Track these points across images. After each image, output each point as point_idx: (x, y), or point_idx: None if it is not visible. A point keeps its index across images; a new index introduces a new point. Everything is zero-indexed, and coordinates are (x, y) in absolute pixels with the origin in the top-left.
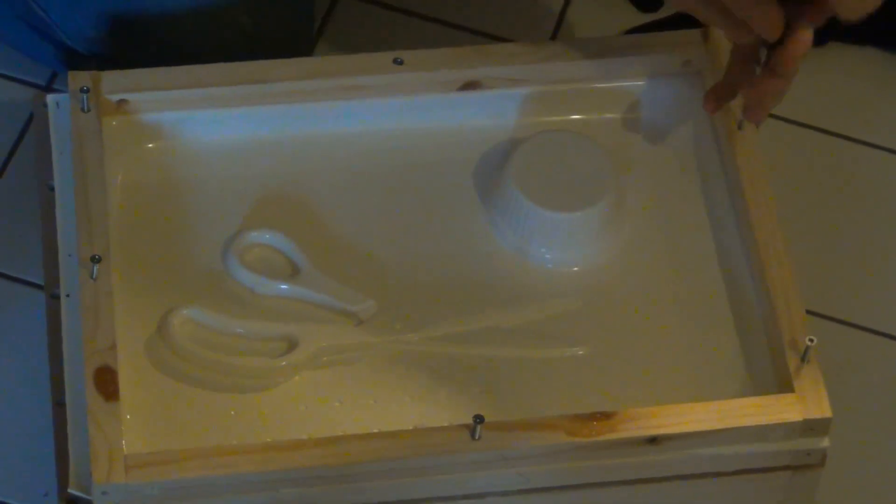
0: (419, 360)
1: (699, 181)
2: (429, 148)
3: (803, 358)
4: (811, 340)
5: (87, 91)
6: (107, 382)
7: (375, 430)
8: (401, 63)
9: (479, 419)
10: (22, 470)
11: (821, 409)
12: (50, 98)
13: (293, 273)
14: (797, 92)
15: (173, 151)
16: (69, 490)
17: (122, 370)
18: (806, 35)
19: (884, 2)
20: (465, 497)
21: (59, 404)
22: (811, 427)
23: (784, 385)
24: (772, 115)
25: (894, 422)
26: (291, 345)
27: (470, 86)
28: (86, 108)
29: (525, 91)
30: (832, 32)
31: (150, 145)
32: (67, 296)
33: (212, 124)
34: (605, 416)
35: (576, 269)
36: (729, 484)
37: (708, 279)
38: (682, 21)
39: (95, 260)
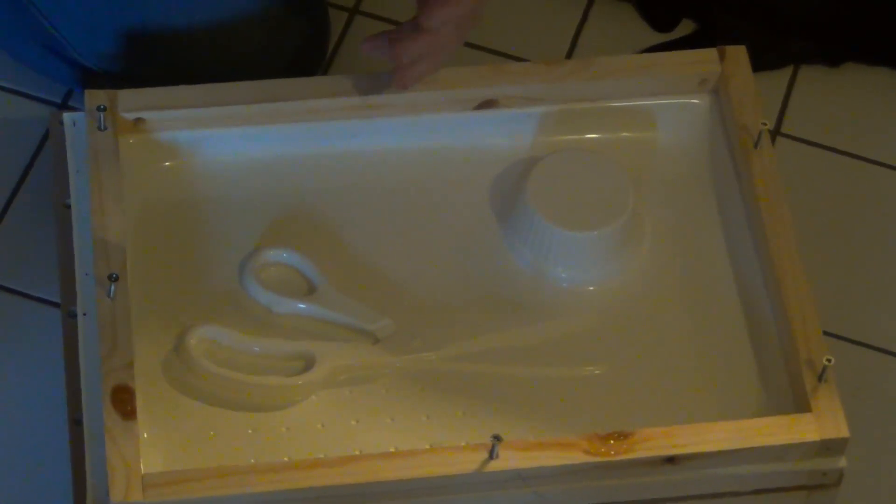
0: (436, 378)
1: (715, 200)
2: (445, 166)
3: (820, 378)
4: (828, 360)
5: (104, 109)
6: (124, 401)
7: (392, 449)
8: None
9: (496, 438)
10: (38, 487)
11: (838, 429)
12: (66, 116)
13: (310, 291)
14: (813, 112)
15: (190, 170)
16: None
17: (139, 389)
18: None
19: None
20: None
21: (75, 422)
22: (828, 447)
23: (801, 405)
24: (787, 136)
25: None
26: (308, 363)
27: (487, 104)
28: (102, 127)
29: (541, 110)
30: (847, 53)
31: (167, 163)
32: (84, 314)
33: (229, 142)
34: (623, 435)
35: (592, 288)
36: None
37: (725, 298)
38: (698, 40)
39: (112, 278)
